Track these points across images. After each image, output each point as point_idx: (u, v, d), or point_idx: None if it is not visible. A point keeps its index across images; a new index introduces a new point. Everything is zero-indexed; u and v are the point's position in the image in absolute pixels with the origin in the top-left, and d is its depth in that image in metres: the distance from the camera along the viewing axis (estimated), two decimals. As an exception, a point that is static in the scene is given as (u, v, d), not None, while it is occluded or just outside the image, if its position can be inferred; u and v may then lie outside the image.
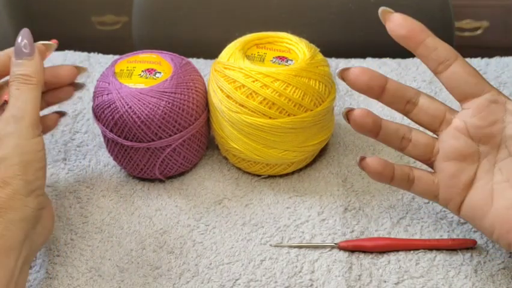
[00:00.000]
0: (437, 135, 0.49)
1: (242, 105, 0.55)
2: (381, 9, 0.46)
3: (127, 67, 0.58)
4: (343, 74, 0.49)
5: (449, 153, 0.48)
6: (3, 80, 0.55)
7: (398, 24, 0.46)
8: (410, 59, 0.74)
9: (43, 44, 0.55)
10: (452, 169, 0.48)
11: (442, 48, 0.46)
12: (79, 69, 0.57)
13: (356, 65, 0.73)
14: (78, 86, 0.58)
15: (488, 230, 0.48)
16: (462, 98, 0.47)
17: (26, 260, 0.49)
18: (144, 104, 0.55)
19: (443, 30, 0.83)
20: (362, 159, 0.50)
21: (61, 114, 0.60)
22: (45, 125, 0.59)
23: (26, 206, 0.49)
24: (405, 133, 0.50)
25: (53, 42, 0.56)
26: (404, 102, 0.49)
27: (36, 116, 0.50)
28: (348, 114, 0.50)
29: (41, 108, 0.58)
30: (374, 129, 0.49)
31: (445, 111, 0.49)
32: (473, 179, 0.48)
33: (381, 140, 0.50)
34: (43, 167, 0.51)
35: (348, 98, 0.69)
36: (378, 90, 0.48)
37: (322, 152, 0.63)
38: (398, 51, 0.71)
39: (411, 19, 0.46)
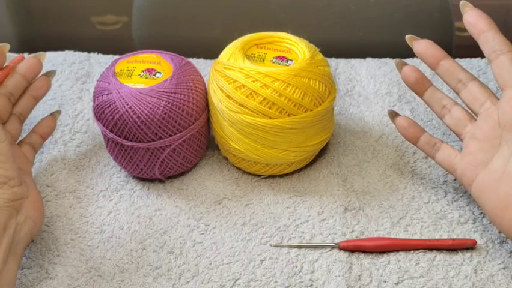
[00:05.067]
0: (477, 116, 0.54)
1: (242, 105, 0.55)
2: (462, 2, 0.53)
3: (127, 67, 0.58)
4: (410, 41, 0.56)
5: (475, 133, 0.53)
6: None
7: (469, 14, 0.52)
8: (410, 58, 0.74)
9: None
10: (473, 146, 0.53)
11: (498, 41, 0.51)
12: (39, 56, 0.59)
13: (355, 65, 0.73)
14: (50, 74, 0.61)
15: (488, 209, 0.51)
16: (503, 86, 0.51)
17: (9, 250, 0.49)
18: (144, 104, 0.55)
19: (443, 30, 0.83)
20: (395, 115, 0.58)
21: (56, 114, 0.62)
22: (42, 131, 0.60)
23: None
24: (448, 104, 0.56)
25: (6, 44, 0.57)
26: (456, 81, 0.54)
27: None
28: (400, 65, 0.57)
29: (30, 109, 0.59)
30: (417, 85, 0.56)
31: (488, 98, 0.53)
32: (489, 161, 0.51)
33: (425, 101, 0.57)
34: (10, 158, 0.51)
35: (348, 98, 0.69)
36: (433, 60, 0.55)
37: (322, 152, 0.63)
38: (398, 51, 0.71)
39: (483, 14, 0.52)
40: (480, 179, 0.52)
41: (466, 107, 0.55)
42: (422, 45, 0.55)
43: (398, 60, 0.58)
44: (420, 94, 0.57)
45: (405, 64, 0.57)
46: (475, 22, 0.52)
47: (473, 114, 0.55)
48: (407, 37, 0.56)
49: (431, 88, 0.56)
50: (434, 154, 0.56)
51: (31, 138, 0.60)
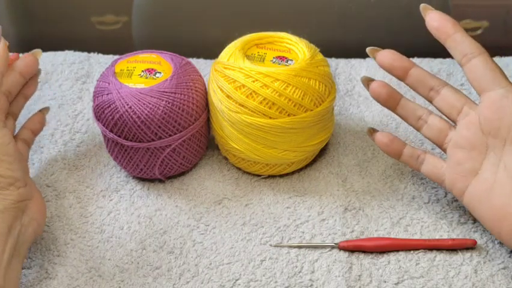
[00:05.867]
0: (455, 124, 0.52)
1: (242, 105, 0.55)
2: (422, 6, 0.51)
3: (127, 67, 0.58)
4: (372, 53, 0.53)
5: (459, 141, 0.51)
6: None
7: (432, 18, 0.50)
8: (410, 58, 0.74)
9: None
10: (459, 156, 0.51)
11: (468, 43, 0.49)
12: (36, 54, 0.58)
13: (355, 65, 0.73)
14: (37, 73, 0.59)
15: (484, 220, 0.51)
16: (479, 91, 0.50)
17: (14, 252, 0.49)
18: (144, 104, 0.55)
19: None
20: (373, 131, 0.56)
21: (44, 111, 0.61)
22: (33, 128, 0.59)
23: (4, 199, 0.49)
24: (423, 115, 0.53)
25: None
26: (428, 89, 0.52)
27: None
28: (367, 82, 0.54)
29: (22, 108, 0.59)
30: (390, 101, 0.54)
31: (465, 103, 0.51)
32: (478, 169, 0.50)
33: (399, 115, 0.54)
34: (17, 159, 0.51)
35: (348, 98, 0.69)
36: (401, 72, 0.52)
37: (322, 152, 0.63)
38: (398, 51, 0.71)
39: (446, 16, 0.50)
40: (471, 189, 0.51)
41: (441, 115, 0.53)
42: (386, 57, 0.52)
43: (364, 76, 0.55)
44: (393, 109, 0.54)
45: (371, 80, 0.54)
46: (440, 25, 0.50)
47: (450, 122, 0.53)
48: (368, 50, 0.53)
49: (403, 100, 0.54)
50: (419, 167, 0.54)
51: (24, 134, 0.58)
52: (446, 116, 0.52)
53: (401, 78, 0.53)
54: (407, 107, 0.54)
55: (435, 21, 0.50)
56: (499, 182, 0.49)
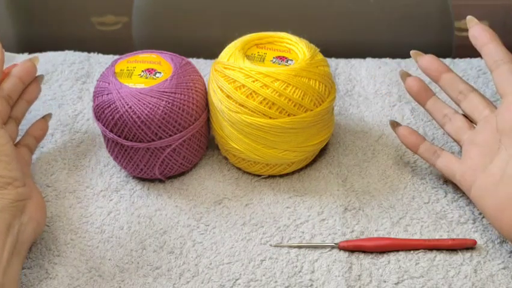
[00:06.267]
0: (476, 124, 0.56)
1: (242, 105, 0.55)
2: (468, 18, 0.56)
3: (127, 67, 0.58)
4: (415, 56, 0.59)
5: (474, 139, 0.54)
6: None
7: (474, 28, 0.56)
8: (410, 59, 0.73)
9: None
10: (473, 152, 0.54)
11: (500, 52, 0.54)
12: (33, 60, 0.60)
13: (355, 65, 0.73)
14: (40, 78, 0.61)
15: (488, 212, 0.52)
16: (502, 94, 0.53)
17: (14, 250, 0.50)
18: (144, 104, 0.55)
19: (443, 30, 0.83)
20: (396, 124, 0.60)
21: (47, 117, 0.63)
22: (36, 134, 0.61)
23: (2, 198, 0.50)
24: (449, 113, 0.58)
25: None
26: (457, 92, 0.56)
27: None
28: (404, 75, 0.60)
29: (25, 112, 0.60)
30: (420, 95, 0.59)
31: (487, 106, 0.55)
32: (488, 165, 0.52)
33: (427, 110, 0.59)
34: (14, 159, 0.52)
35: (348, 98, 0.69)
36: (436, 74, 0.57)
37: (322, 152, 0.63)
38: (398, 51, 0.71)
39: (487, 27, 0.55)
40: (479, 182, 0.53)
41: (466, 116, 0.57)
42: (426, 60, 0.58)
43: (402, 70, 0.60)
44: (423, 103, 0.59)
45: (409, 75, 0.60)
46: (479, 35, 0.55)
47: (473, 124, 0.56)
48: (412, 52, 0.59)
49: (433, 98, 0.59)
50: (434, 161, 0.57)
51: (27, 140, 0.60)
52: (469, 116, 0.56)
53: (435, 79, 0.58)
54: (437, 104, 0.59)
55: (476, 31, 0.55)
56: (507, 176, 0.51)
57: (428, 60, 0.58)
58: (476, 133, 0.55)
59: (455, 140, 0.57)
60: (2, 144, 0.51)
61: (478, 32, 0.55)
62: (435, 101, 0.59)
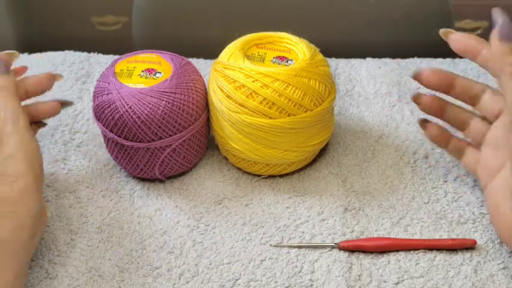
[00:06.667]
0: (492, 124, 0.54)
1: (242, 105, 0.55)
2: (441, 31, 0.52)
3: (127, 67, 0.58)
4: (416, 77, 0.55)
5: (488, 140, 0.54)
6: None
7: (456, 41, 0.51)
8: (410, 59, 0.74)
9: (7, 53, 0.57)
10: (487, 153, 0.54)
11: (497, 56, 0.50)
12: (55, 77, 0.58)
13: (355, 65, 0.73)
14: (65, 104, 0.59)
15: (498, 231, 0.52)
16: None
17: (30, 258, 0.50)
18: (144, 104, 0.55)
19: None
20: (425, 122, 0.58)
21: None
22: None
23: (35, 201, 0.50)
24: (467, 119, 0.56)
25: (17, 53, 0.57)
26: (471, 97, 0.54)
27: (27, 118, 0.52)
28: (417, 99, 0.56)
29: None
30: (439, 111, 0.56)
31: (502, 107, 0.53)
32: (502, 167, 0.52)
33: (446, 121, 0.57)
34: (42, 164, 0.52)
35: (348, 98, 0.69)
36: (447, 87, 0.54)
37: (322, 152, 0.63)
38: (398, 51, 0.71)
39: (468, 35, 0.51)
40: (493, 183, 0.53)
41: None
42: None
43: (416, 93, 0.56)
44: (441, 117, 0.57)
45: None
46: (466, 46, 0.51)
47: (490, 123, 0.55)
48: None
49: (448, 107, 0.56)
50: (460, 157, 0.57)
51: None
52: (485, 118, 0.55)
53: (447, 92, 0.55)
54: (454, 112, 0.56)
55: (459, 42, 0.51)
56: None
57: (430, 73, 0.54)
58: (490, 134, 0.54)
59: (474, 141, 0.56)
60: (37, 148, 0.52)
61: (463, 44, 0.51)
62: (451, 110, 0.56)
